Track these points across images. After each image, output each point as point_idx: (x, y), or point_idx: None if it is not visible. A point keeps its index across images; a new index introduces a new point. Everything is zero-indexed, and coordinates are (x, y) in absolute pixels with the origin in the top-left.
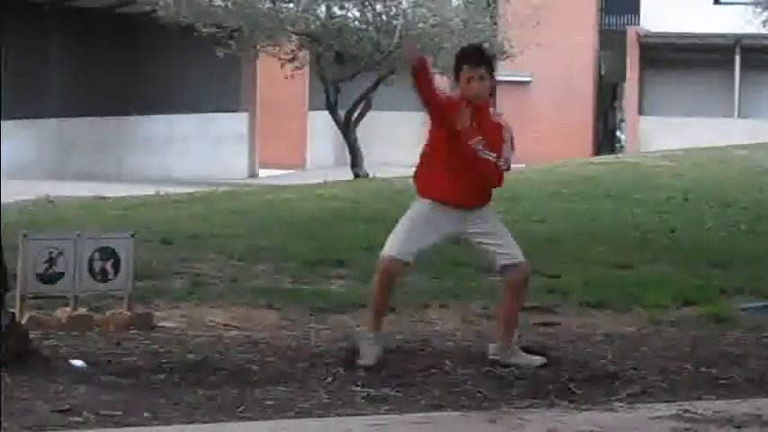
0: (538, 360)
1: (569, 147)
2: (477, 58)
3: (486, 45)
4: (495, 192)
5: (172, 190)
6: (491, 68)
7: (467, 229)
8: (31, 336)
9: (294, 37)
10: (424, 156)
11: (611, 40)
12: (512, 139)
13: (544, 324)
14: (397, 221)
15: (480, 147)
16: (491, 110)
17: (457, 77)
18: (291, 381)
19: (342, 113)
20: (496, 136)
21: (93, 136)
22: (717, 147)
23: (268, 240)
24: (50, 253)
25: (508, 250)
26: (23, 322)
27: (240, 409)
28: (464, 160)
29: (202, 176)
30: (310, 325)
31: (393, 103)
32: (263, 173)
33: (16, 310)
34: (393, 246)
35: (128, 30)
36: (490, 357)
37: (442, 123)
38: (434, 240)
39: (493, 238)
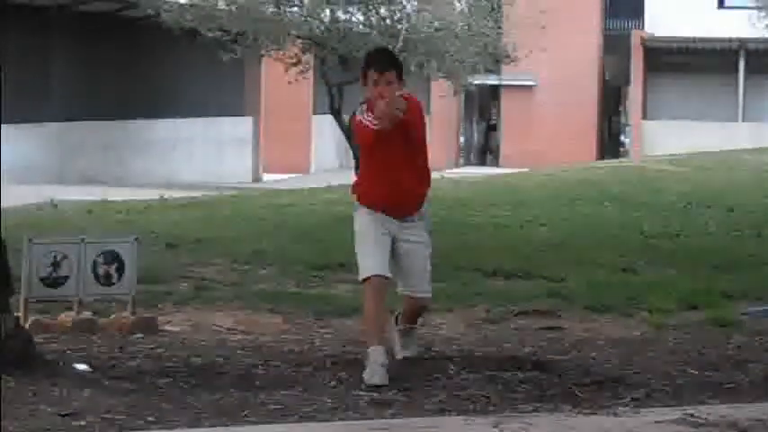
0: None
1: (573, 150)
2: (384, 62)
3: (490, 49)
4: (502, 195)
5: (176, 194)
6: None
7: (399, 236)
8: (34, 339)
9: (298, 41)
10: (360, 166)
11: (615, 44)
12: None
13: (548, 328)
14: None
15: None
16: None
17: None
18: (296, 385)
19: (346, 117)
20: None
21: (97, 140)
22: (721, 150)
23: (272, 244)
24: (55, 257)
25: (414, 281)
26: (27, 326)
27: (244, 413)
28: (388, 161)
29: (206, 180)
30: (315, 329)
31: None
32: (267, 177)
33: (20, 314)
34: (368, 265)
35: (131, 34)
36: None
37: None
38: (389, 246)
39: (410, 261)
